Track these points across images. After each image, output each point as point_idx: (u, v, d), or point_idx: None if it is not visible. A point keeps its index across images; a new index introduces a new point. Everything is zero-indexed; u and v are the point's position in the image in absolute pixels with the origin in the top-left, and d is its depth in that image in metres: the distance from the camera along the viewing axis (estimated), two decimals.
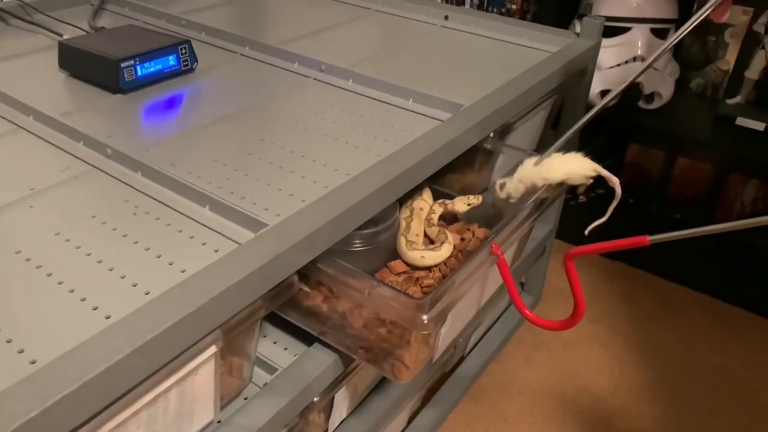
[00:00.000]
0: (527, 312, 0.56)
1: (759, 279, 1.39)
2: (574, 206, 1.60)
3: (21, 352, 0.40)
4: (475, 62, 0.87)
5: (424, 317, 0.46)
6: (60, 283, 0.46)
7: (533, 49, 0.93)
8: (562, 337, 1.26)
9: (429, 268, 0.65)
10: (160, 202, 0.56)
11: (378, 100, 0.77)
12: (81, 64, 0.77)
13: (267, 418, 0.55)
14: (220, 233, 0.52)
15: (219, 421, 0.55)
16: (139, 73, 0.74)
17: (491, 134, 0.73)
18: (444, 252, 0.64)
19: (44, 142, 0.64)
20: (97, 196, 0.56)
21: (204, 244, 0.51)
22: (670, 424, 1.09)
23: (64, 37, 0.84)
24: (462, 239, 0.71)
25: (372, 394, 0.76)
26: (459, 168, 0.78)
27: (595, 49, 0.93)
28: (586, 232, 0.66)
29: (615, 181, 0.66)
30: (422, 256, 0.64)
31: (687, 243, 1.51)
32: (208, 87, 0.78)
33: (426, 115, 0.73)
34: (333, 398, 0.66)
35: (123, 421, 0.41)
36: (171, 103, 0.74)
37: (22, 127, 0.67)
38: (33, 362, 0.39)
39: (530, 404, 1.12)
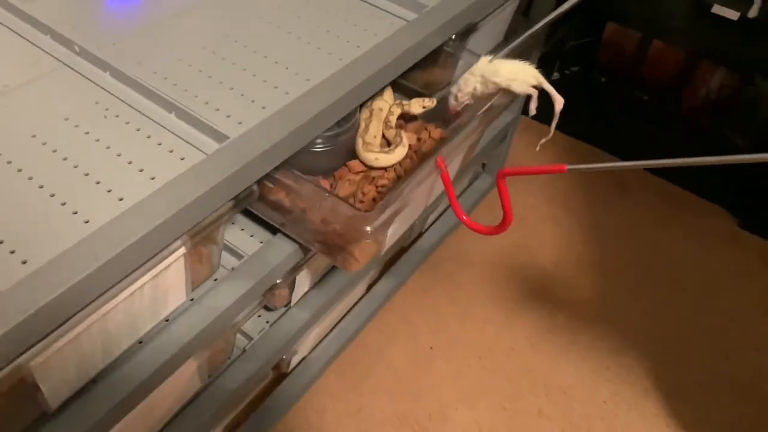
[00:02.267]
0: (464, 217, 0.63)
1: (711, 166, 1.46)
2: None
3: (12, 252, 0.46)
4: None
5: (368, 228, 0.53)
6: (41, 186, 0.51)
7: None
8: (518, 215, 1.35)
9: (385, 169, 0.70)
10: (128, 105, 0.59)
11: None
12: None
13: (233, 299, 0.63)
14: (185, 141, 0.56)
15: (192, 299, 0.63)
16: None
17: (453, 36, 0.75)
18: (397, 155, 0.69)
19: (12, 33, 0.65)
20: (69, 97, 0.59)
21: (171, 151, 0.55)
22: (604, 295, 1.22)
23: None
24: (418, 139, 0.76)
25: (332, 270, 0.85)
26: (422, 64, 0.81)
27: None
28: (537, 148, 0.71)
29: (558, 99, 0.70)
30: (377, 158, 0.69)
31: (654, 129, 1.57)
32: None
33: (389, 12, 0.74)
34: (294, 278, 0.75)
35: (103, 315, 0.48)
36: None
37: None
38: (24, 262, 0.46)
39: (482, 273, 1.23)
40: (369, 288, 1.07)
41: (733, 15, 1.28)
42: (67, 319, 0.45)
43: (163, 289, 0.55)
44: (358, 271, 0.83)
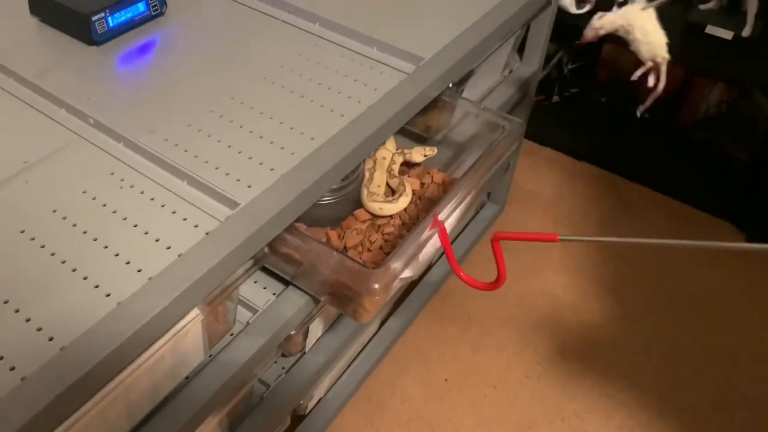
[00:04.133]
0: (462, 275, 0.65)
1: (714, 178, 1.48)
2: (547, 106, 1.64)
3: (39, 330, 0.49)
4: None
5: (375, 285, 0.55)
6: (63, 262, 0.54)
7: None
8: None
9: (390, 217, 0.73)
10: (142, 174, 0.62)
11: (343, 47, 0.80)
12: (52, 13, 0.78)
13: (250, 353, 0.65)
14: (199, 208, 0.59)
15: (210, 356, 0.65)
16: (111, 24, 0.76)
17: (450, 84, 0.77)
18: (401, 204, 0.71)
19: (28, 107, 0.69)
20: (86, 169, 0.62)
21: (185, 219, 0.58)
22: (613, 316, 1.23)
23: None
24: (422, 184, 0.78)
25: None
26: (422, 110, 0.83)
27: None
28: (638, 114, 0.73)
29: (660, 85, 0.71)
30: (381, 208, 0.71)
31: (655, 145, 1.59)
32: (179, 33, 0.80)
33: (389, 66, 0.77)
34: (308, 327, 0.77)
35: (128, 385, 0.51)
36: (143, 54, 0.77)
37: (5, 90, 0.71)
38: (51, 339, 0.48)
39: (491, 301, 1.25)
40: (381, 324, 1.09)
41: (727, 35, 1.30)
42: (93, 394, 0.47)
43: (183, 352, 0.57)
44: None
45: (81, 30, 0.75)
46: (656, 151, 1.56)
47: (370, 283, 0.56)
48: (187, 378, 0.63)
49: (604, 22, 0.71)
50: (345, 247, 0.68)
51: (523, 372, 1.15)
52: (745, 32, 1.28)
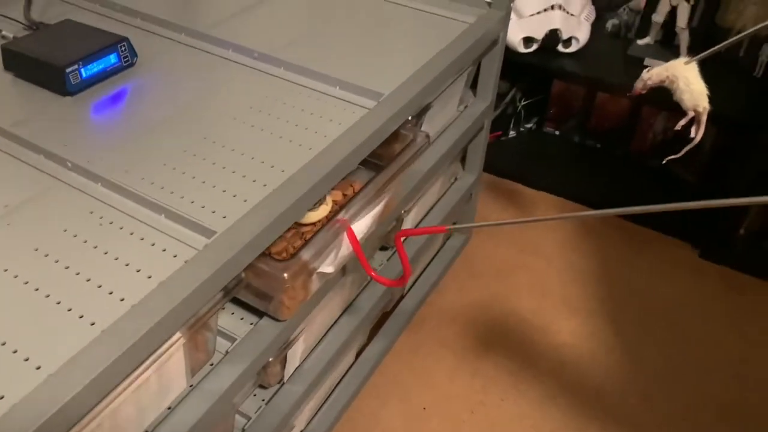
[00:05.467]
0: (372, 273, 0.71)
1: (666, 200, 1.56)
2: (505, 141, 1.72)
3: (26, 360, 0.51)
4: (397, 38, 0.95)
5: (285, 275, 0.65)
6: (47, 296, 0.56)
7: (452, 20, 1.01)
8: (494, 266, 1.42)
9: (313, 224, 0.77)
10: (121, 211, 0.65)
11: (307, 87, 0.85)
12: (27, 67, 0.82)
13: (230, 381, 0.67)
14: (176, 239, 0.62)
15: (191, 386, 0.67)
16: (84, 75, 0.80)
17: (409, 117, 0.83)
18: (321, 211, 0.75)
19: (7, 155, 0.71)
20: (66, 209, 0.65)
21: (164, 250, 0.61)
22: (583, 336, 1.28)
23: (3, 34, 0.88)
24: (344, 195, 0.82)
25: (320, 342, 0.89)
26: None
27: (505, 19, 1.02)
28: (664, 162, 0.79)
29: (699, 135, 0.77)
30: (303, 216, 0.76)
31: (608, 172, 1.66)
32: (150, 82, 0.84)
33: (351, 103, 0.82)
34: (286, 355, 0.79)
35: (113, 410, 0.52)
36: (116, 102, 0.80)
37: None
38: (38, 368, 0.50)
39: (465, 327, 1.28)
40: (358, 355, 1.11)
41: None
42: (81, 418, 0.49)
43: (167, 378, 0.59)
44: (347, 335, 0.87)
45: (55, 82, 0.79)
46: (611, 178, 1.64)
47: (279, 274, 0.63)
48: (169, 408, 0.65)
49: (652, 74, 0.79)
50: (269, 253, 0.72)
51: (499, 395, 1.18)
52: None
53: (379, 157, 0.91)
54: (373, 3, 1.05)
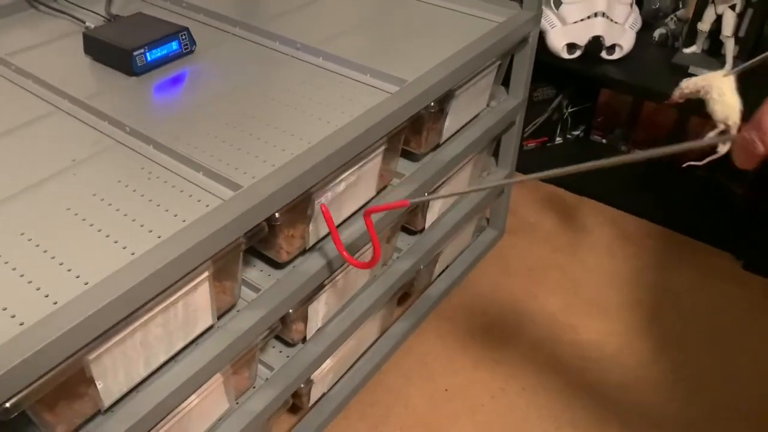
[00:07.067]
0: (344, 253, 0.78)
1: (711, 210, 1.55)
2: (550, 147, 1.76)
3: (78, 277, 0.61)
4: (429, 34, 1.03)
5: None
6: (99, 230, 0.67)
7: (483, 19, 1.08)
8: (527, 264, 1.46)
9: None
10: (166, 168, 0.75)
11: (342, 75, 0.94)
12: (102, 51, 0.95)
13: (251, 323, 0.76)
14: (208, 191, 0.72)
15: (217, 327, 0.76)
16: (149, 58, 0.92)
17: (431, 103, 0.90)
18: None
19: (78, 121, 0.84)
20: (121, 165, 0.76)
21: (199, 201, 0.71)
22: (611, 337, 1.29)
23: (87, 25, 1.02)
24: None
25: (342, 309, 0.97)
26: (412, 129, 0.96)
27: (536, 19, 1.08)
28: (684, 166, 0.83)
29: (723, 150, 0.79)
30: None
31: (653, 181, 1.67)
32: (205, 68, 0.96)
33: (378, 88, 0.90)
34: (307, 311, 0.87)
35: (145, 321, 0.62)
36: (174, 84, 0.92)
37: (61, 109, 0.86)
38: (86, 283, 0.60)
39: (493, 321, 1.33)
40: (383, 332, 1.18)
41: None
42: (115, 324, 0.59)
43: (194, 308, 0.69)
44: (369, 304, 0.95)
45: (124, 63, 0.91)
46: (656, 187, 1.64)
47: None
48: (196, 344, 0.74)
49: (689, 84, 0.82)
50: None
51: (521, 385, 1.21)
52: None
53: (413, 145, 0.99)
54: (411, 3, 1.14)
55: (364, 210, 0.72)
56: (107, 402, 0.64)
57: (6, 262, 0.63)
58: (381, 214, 0.89)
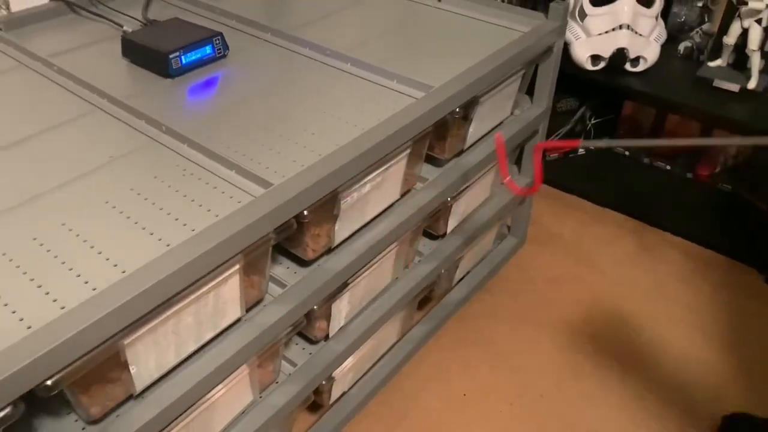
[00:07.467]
0: (507, 178, 0.85)
1: (735, 225, 1.54)
2: (573, 158, 1.77)
3: (116, 265, 0.64)
4: (455, 43, 1.06)
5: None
6: (135, 222, 0.70)
7: (509, 29, 1.10)
8: (547, 274, 1.46)
9: None
10: (200, 166, 0.78)
11: (369, 81, 0.96)
12: (139, 54, 0.99)
13: (277, 317, 0.78)
14: (241, 189, 0.74)
15: (245, 319, 0.79)
16: (183, 61, 0.96)
17: (456, 108, 0.92)
18: None
19: (116, 119, 0.87)
20: (157, 162, 0.79)
21: (231, 197, 0.73)
22: (631, 347, 1.30)
23: (124, 29, 1.06)
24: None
25: (363, 310, 0.99)
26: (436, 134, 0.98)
27: (561, 30, 1.09)
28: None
29: None
30: None
31: (674, 194, 1.67)
32: (237, 71, 0.99)
33: (404, 94, 0.93)
34: (330, 309, 0.89)
35: (178, 310, 0.65)
36: (208, 86, 0.95)
37: (100, 108, 0.90)
38: (123, 272, 0.63)
39: (513, 328, 1.34)
40: (402, 336, 1.20)
41: (734, 87, 1.41)
42: (149, 311, 0.61)
43: (223, 300, 0.71)
44: (391, 305, 0.97)
45: (160, 66, 0.95)
46: (676, 199, 1.64)
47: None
48: (222, 333, 0.76)
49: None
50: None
51: (539, 392, 1.22)
52: (751, 85, 1.39)
53: (437, 150, 1.01)
54: (437, 13, 1.16)
55: (535, 144, 0.78)
56: (139, 387, 0.67)
57: (48, 251, 0.66)
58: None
